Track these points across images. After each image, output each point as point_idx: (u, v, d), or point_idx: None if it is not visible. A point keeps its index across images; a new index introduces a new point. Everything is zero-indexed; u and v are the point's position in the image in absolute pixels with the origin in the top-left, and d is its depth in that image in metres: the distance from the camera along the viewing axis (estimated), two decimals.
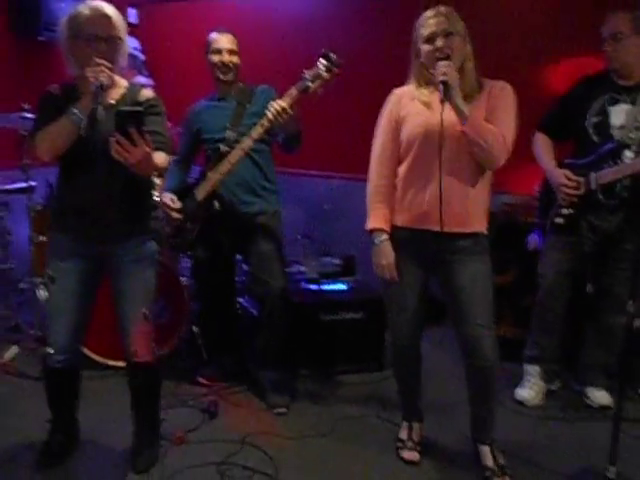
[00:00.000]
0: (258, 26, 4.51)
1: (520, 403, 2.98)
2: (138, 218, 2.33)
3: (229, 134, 2.87)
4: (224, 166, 2.79)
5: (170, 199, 2.93)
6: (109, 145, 2.02)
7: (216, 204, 2.89)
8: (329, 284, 3.51)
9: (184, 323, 3.29)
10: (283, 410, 2.91)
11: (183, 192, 2.97)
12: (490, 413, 2.41)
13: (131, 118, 2.00)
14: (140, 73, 4.52)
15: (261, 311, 3.03)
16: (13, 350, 3.36)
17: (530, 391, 3.00)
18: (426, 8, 2.21)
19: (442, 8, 2.19)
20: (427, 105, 2.24)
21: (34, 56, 3.69)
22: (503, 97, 2.24)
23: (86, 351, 3.08)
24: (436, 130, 2.15)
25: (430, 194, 2.21)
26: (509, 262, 3.46)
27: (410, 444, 2.55)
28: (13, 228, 3.72)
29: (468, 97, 2.17)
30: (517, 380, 3.07)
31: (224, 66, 2.91)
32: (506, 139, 2.17)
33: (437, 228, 2.19)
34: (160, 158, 2.21)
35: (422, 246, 2.29)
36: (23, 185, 3.51)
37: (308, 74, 2.54)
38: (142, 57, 4.68)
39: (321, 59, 2.54)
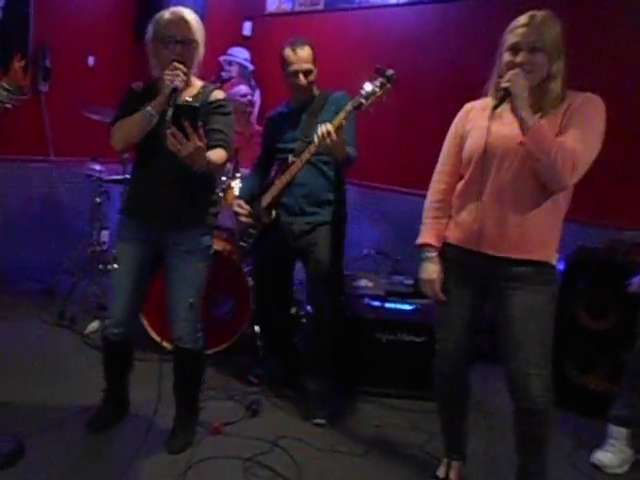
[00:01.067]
0: (362, 38, 4.69)
1: (597, 468, 2.72)
2: (194, 210, 2.50)
3: (299, 145, 2.95)
4: (285, 177, 2.93)
5: (238, 205, 3.11)
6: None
7: (273, 213, 3.03)
8: (393, 303, 3.47)
9: (246, 322, 3.45)
10: (321, 421, 2.95)
11: (255, 197, 3.14)
12: (537, 468, 2.20)
13: (186, 113, 2.16)
14: (247, 82, 4.85)
15: (312, 320, 3.11)
16: (95, 324, 3.74)
17: (612, 456, 2.71)
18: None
19: (538, 15, 2.02)
20: (499, 118, 2.10)
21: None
22: (584, 110, 2.03)
23: (150, 331, 3.38)
24: (497, 145, 2.07)
25: (482, 214, 2.12)
26: (608, 306, 3.18)
27: None
28: (110, 214, 4.12)
29: (544, 112, 2.04)
30: (599, 442, 2.80)
31: (300, 87, 2.98)
32: (577, 156, 1.96)
33: (490, 251, 2.12)
34: (217, 154, 2.36)
35: (474, 268, 2.19)
36: (119, 176, 3.93)
37: (363, 90, 2.57)
38: (251, 67, 5.04)
39: (378, 76, 2.55)
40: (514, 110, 1.99)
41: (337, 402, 3.14)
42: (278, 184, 2.99)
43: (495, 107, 2.02)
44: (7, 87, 2.82)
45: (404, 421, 3.05)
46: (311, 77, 2.98)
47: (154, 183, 2.44)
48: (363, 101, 2.56)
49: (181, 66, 2.32)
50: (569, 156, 1.95)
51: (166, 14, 2.39)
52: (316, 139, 2.64)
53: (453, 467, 2.44)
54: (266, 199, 3.06)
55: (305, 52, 2.94)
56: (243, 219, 3.11)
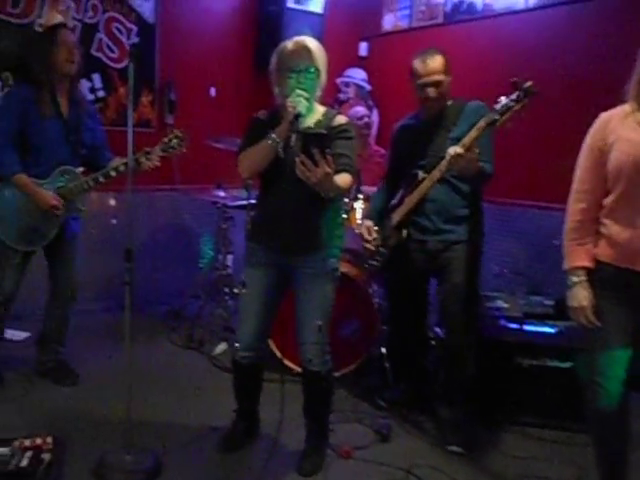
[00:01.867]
0: (489, 49, 4.57)
1: None
2: (321, 234, 2.54)
3: (429, 161, 2.90)
4: (414, 195, 2.90)
5: (366, 229, 3.11)
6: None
7: (404, 233, 3.01)
8: (533, 325, 3.31)
9: (373, 344, 3.46)
10: (456, 449, 2.86)
11: (385, 213, 3.14)
12: None
13: (315, 140, 2.23)
14: (365, 102, 4.92)
15: (444, 344, 3.04)
16: (222, 346, 3.91)
17: None
18: None
19: None
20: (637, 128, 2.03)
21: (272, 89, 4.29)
22: None
23: (281, 356, 3.41)
24: None
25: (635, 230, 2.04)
26: None
27: None
28: (235, 239, 4.33)
29: None
30: None
31: (429, 101, 2.93)
32: None
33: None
34: (343, 179, 2.40)
35: (631, 287, 2.09)
36: (244, 202, 4.07)
37: (498, 105, 2.51)
38: (368, 87, 5.10)
39: (514, 90, 2.48)
40: None
41: (475, 431, 3.03)
42: (408, 202, 2.97)
43: None
44: (178, 134, 3.29)
45: (552, 453, 2.88)
46: (442, 89, 2.91)
47: (280, 208, 2.53)
48: (497, 117, 2.50)
49: (303, 93, 2.39)
50: None
51: (289, 44, 2.48)
52: (446, 161, 2.62)
53: None
54: (396, 217, 3.04)
55: (436, 62, 2.89)
56: (368, 246, 3.10)
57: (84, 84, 4.45)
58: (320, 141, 2.23)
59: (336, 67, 5.16)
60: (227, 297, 4.25)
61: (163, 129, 4.82)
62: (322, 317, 2.57)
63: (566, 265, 2.22)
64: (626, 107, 2.11)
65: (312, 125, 2.51)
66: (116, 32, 4.68)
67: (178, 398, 3.29)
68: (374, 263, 3.17)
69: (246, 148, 2.53)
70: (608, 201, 2.14)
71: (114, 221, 4.67)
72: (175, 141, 3.27)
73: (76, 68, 3.20)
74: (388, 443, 2.92)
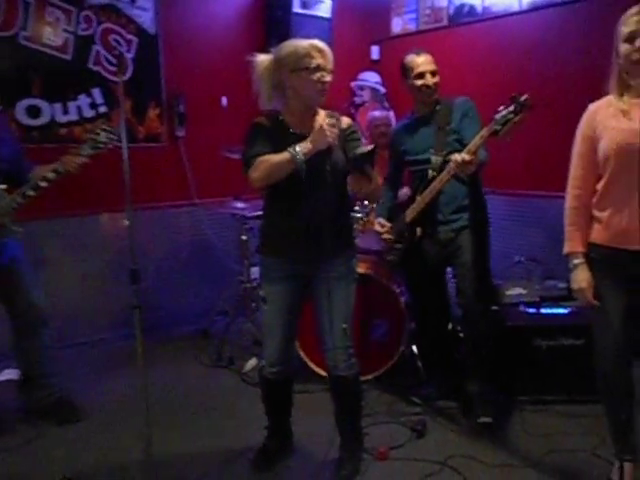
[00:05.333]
0: (489, 49, 5.19)
1: None
2: (341, 237, 2.86)
3: (435, 159, 3.38)
4: (426, 195, 3.35)
5: (379, 224, 3.60)
6: (320, 175, 2.65)
7: (418, 231, 3.48)
8: (549, 308, 3.80)
9: (403, 342, 3.89)
10: (486, 420, 3.34)
11: (394, 211, 3.63)
12: None
13: (366, 158, 2.63)
14: (381, 105, 5.40)
15: (463, 323, 3.53)
16: (252, 362, 4.27)
17: None
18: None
19: None
20: (626, 114, 2.42)
21: None
22: None
23: (310, 364, 3.89)
24: (635, 143, 2.35)
25: (630, 212, 2.42)
26: None
27: None
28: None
29: None
30: None
31: (428, 89, 3.45)
32: None
33: (632, 247, 2.41)
34: (376, 178, 2.79)
35: (624, 266, 2.49)
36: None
37: (498, 116, 2.91)
38: (383, 90, 5.60)
39: (512, 103, 2.89)
40: None
41: (504, 413, 3.51)
42: (420, 201, 3.40)
43: None
44: (107, 128, 3.34)
45: (574, 427, 3.36)
46: (437, 79, 3.45)
47: (302, 219, 2.76)
48: (499, 127, 2.91)
49: (336, 121, 2.67)
50: None
51: (303, 43, 2.68)
52: (452, 167, 3.08)
53: (626, 469, 2.70)
54: (409, 215, 3.48)
55: (429, 56, 3.47)
56: (386, 236, 3.58)
57: (83, 99, 4.78)
58: (370, 157, 2.62)
59: (350, 71, 5.70)
60: (255, 310, 4.58)
61: (174, 143, 5.26)
62: (347, 320, 2.85)
63: (566, 249, 2.64)
64: (610, 97, 2.52)
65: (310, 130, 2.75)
66: (115, 44, 4.91)
67: (208, 421, 3.58)
68: (393, 257, 3.62)
69: (254, 156, 2.67)
70: (600, 186, 2.54)
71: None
72: (103, 134, 3.32)
73: None
74: (423, 439, 3.31)
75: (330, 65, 2.71)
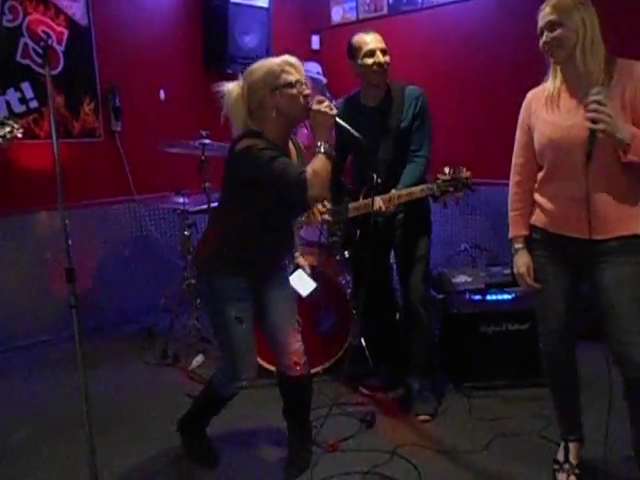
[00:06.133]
0: (429, 38, 5.30)
1: None
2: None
3: (381, 157, 3.37)
4: (367, 205, 3.27)
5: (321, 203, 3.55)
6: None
7: (358, 232, 3.48)
8: (494, 294, 3.84)
9: (350, 334, 3.89)
10: (425, 417, 3.37)
11: (338, 194, 3.57)
12: None
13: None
14: (323, 95, 5.35)
15: (404, 313, 3.55)
16: (199, 358, 4.24)
17: None
18: None
19: None
20: (554, 101, 2.48)
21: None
22: None
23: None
24: (564, 135, 2.40)
25: (564, 202, 2.47)
26: None
27: (567, 467, 2.75)
28: None
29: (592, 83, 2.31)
30: None
31: (380, 67, 3.29)
32: None
33: (575, 234, 2.45)
34: None
35: (564, 249, 2.54)
36: (204, 207, 4.42)
37: (440, 181, 2.99)
38: (324, 80, 5.56)
39: (453, 177, 2.99)
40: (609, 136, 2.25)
41: (452, 400, 3.57)
42: (363, 206, 3.36)
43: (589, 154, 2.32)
44: (5, 122, 3.03)
45: (521, 410, 3.43)
46: (388, 58, 3.31)
47: (276, 248, 2.90)
48: (438, 194, 2.98)
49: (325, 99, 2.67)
50: None
51: (275, 60, 2.69)
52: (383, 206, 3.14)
53: (571, 449, 2.78)
54: (352, 212, 3.44)
55: (377, 35, 3.34)
56: (325, 217, 3.58)
57: (12, 94, 4.62)
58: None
59: None
60: (199, 307, 4.51)
61: (111, 138, 5.14)
62: (296, 317, 2.95)
63: (509, 234, 2.70)
64: (547, 85, 2.56)
65: None
66: (44, 36, 4.73)
67: (153, 421, 3.53)
68: (336, 239, 3.62)
69: (301, 172, 2.53)
70: (539, 174, 2.59)
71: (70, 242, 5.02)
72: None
73: None
74: (373, 429, 3.34)
75: (303, 78, 2.71)
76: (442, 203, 3.10)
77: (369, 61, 3.30)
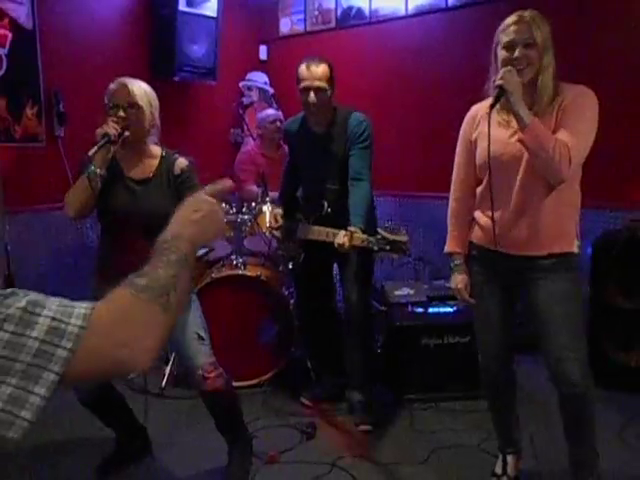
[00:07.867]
0: (376, 52, 5.33)
1: None
2: None
3: (329, 186, 3.38)
4: (317, 233, 3.30)
5: (273, 216, 3.58)
6: (148, 219, 2.57)
7: (302, 254, 3.51)
8: (436, 307, 3.88)
9: (293, 344, 3.90)
10: (365, 428, 3.38)
11: (290, 211, 3.60)
12: (585, 449, 2.53)
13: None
14: (270, 105, 5.41)
15: (345, 325, 3.52)
16: None
17: None
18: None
19: (526, 14, 2.35)
20: (502, 118, 2.46)
21: (169, 95, 4.63)
22: (579, 103, 2.36)
23: None
24: (504, 152, 2.41)
25: (501, 217, 2.48)
26: (637, 283, 3.64)
27: (505, 479, 2.78)
28: None
29: (539, 108, 2.37)
30: None
31: (312, 106, 3.30)
32: (573, 151, 2.27)
33: (510, 250, 2.48)
34: None
35: (499, 264, 2.55)
36: None
37: (380, 236, 2.98)
38: (271, 90, 5.61)
39: (392, 238, 2.99)
40: (510, 107, 2.31)
41: (393, 412, 3.58)
42: (314, 233, 3.33)
43: (492, 105, 2.34)
44: None
45: (461, 423, 3.47)
46: (323, 96, 3.27)
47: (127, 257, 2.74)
48: (375, 248, 2.98)
49: (114, 117, 2.73)
50: (565, 151, 2.26)
51: (111, 85, 2.82)
52: (336, 243, 3.03)
53: (509, 462, 2.80)
54: (300, 234, 3.46)
55: (320, 70, 3.26)
56: (274, 232, 3.59)
57: None
58: None
59: (238, 71, 5.66)
60: None
61: (54, 143, 5.01)
62: (202, 326, 2.85)
63: (445, 249, 2.73)
64: (490, 100, 2.51)
65: (152, 172, 2.82)
66: None
67: (86, 431, 3.36)
68: (282, 253, 3.67)
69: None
70: (479, 189, 2.60)
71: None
72: None
73: None
74: (313, 441, 3.33)
75: (133, 99, 2.77)
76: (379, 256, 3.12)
77: (304, 97, 3.31)
